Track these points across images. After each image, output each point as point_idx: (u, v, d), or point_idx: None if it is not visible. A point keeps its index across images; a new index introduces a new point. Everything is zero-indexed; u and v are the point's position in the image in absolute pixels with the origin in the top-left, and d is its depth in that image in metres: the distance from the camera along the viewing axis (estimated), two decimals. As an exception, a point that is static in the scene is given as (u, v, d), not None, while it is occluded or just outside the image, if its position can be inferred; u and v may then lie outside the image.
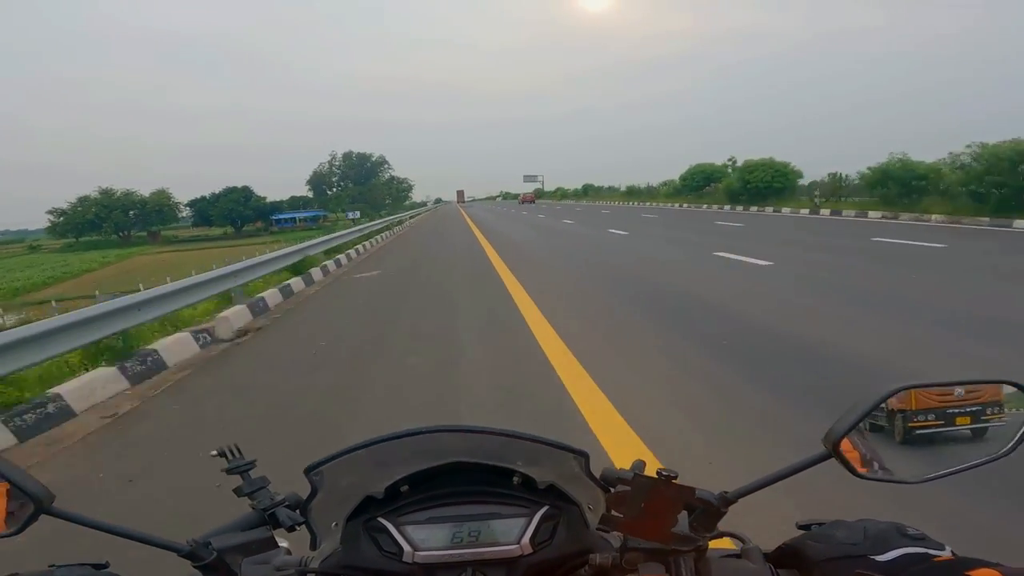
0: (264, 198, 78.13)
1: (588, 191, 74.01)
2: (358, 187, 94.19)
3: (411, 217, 38.76)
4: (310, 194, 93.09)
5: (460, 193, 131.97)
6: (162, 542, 0.53)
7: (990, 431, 0.58)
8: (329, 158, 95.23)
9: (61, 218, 69.32)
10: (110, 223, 67.54)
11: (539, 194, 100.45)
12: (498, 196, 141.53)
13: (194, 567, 0.53)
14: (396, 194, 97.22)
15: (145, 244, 67.65)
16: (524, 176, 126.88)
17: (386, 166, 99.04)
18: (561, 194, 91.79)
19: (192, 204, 75.54)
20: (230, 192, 74.52)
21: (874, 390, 0.56)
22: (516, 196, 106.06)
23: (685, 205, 30.25)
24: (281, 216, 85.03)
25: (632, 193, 47.65)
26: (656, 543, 0.52)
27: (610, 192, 59.87)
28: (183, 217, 78.49)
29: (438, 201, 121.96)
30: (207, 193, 75.35)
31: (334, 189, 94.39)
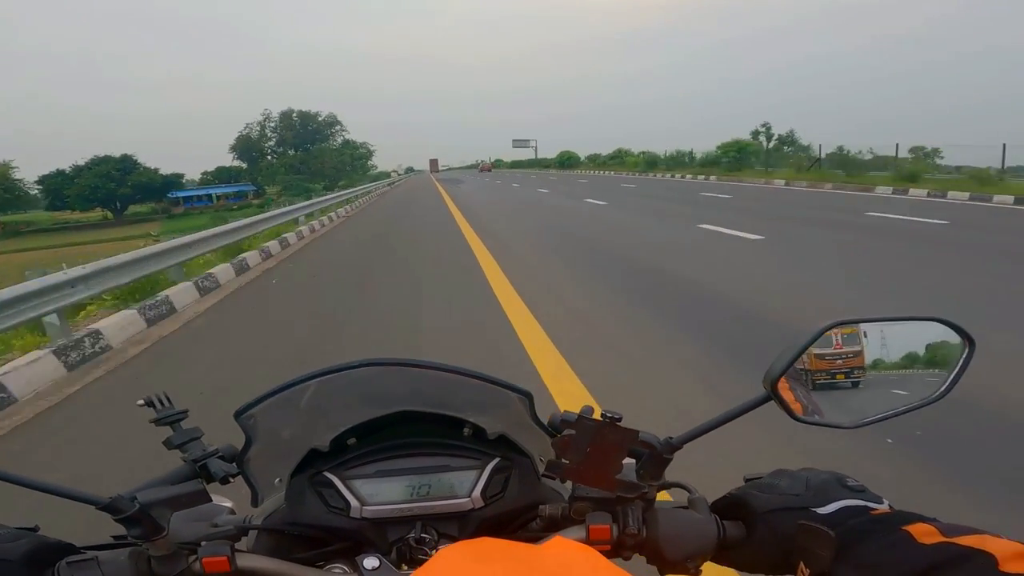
0: (156, 170, 56.46)
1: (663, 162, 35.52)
2: (300, 154, 72.76)
3: (345, 202, 20.70)
4: (242, 164, 71.45)
5: (433, 162, 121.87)
6: (80, 495, 0.49)
7: (925, 375, 0.58)
8: (261, 118, 72.83)
9: None
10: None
11: (568, 159, 75.58)
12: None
13: (115, 520, 0.49)
14: (351, 162, 75.65)
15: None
16: (513, 141, 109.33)
17: (338, 128, 77.00)
18: (619, 160, 47.71)
19: (44, 181, 53.40)
20: (100, 163, 52.70)
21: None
22: (509, 163, 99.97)
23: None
24: (185, 193, 63.76)
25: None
26: (602, 491, 0.52)
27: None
28: (37, 199, 56.40)
29: (409, 170, 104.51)
30: (69, 166, 53.38)
31: (269, 157, 72.68)
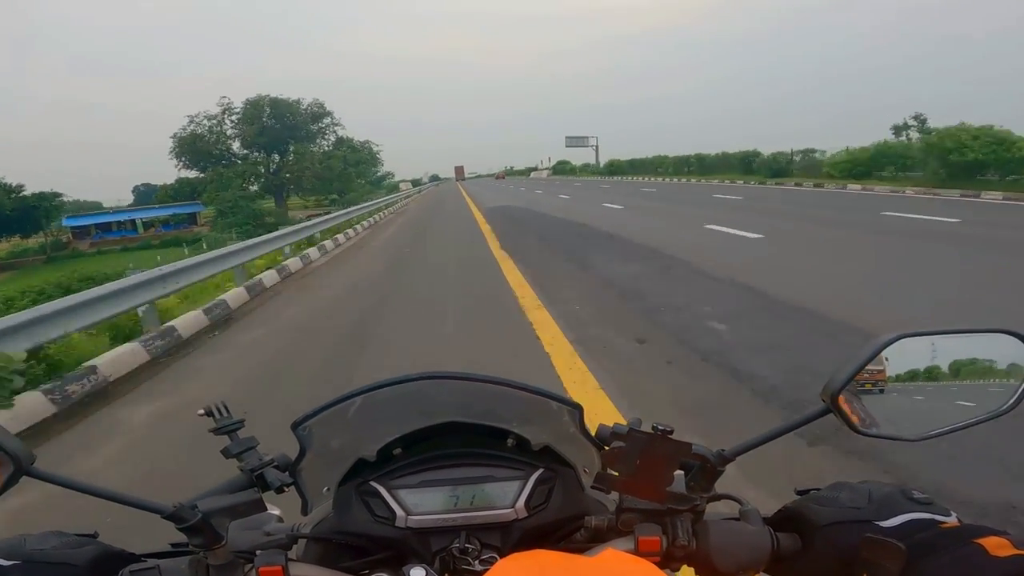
0: (19, 188, 36.77)
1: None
2: (276, 157, 52.41)
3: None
4: (203, 174, 51.22)
5: (459, 169, 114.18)
6: (145, 504, 0.51)
7: (991, 387, 0.57)
8: (220, 109, 51.95)
9: None
10: None
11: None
12: (544, 169, 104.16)
13: (178, 529, 0.51)
14: (345, 167, 54.59)
15: None
16: (567, 139, 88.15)
17: (329, 120, 56.00)
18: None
19: None
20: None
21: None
22: (573, 168, 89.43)
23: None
24: (93, 220, 44.51)
25: None
26: (652, 503, 0.52)
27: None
28: None
29: (434, 179, 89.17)
30: None
31: (237, 161, 52.37)
